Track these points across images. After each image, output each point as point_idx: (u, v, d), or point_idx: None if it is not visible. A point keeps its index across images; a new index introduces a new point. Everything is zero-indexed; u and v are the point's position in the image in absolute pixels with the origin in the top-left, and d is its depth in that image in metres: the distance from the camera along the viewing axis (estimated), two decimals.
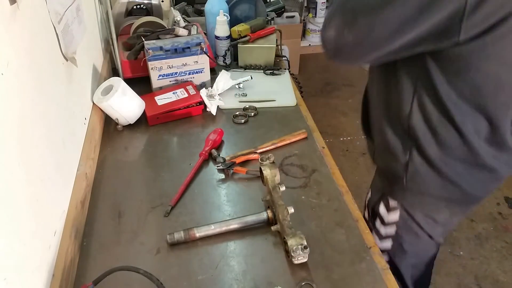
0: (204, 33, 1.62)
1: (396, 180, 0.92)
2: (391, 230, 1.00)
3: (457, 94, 0.76)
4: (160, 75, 1.33)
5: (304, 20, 3.39)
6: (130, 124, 1.23)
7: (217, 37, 1.50)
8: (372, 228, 1.05)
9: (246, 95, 1.38)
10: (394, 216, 0.97)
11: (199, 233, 0.88)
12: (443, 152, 0.83)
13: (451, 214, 0.94)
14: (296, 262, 0.82)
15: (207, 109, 1.28)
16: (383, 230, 1.01)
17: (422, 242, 0.99)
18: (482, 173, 0.86)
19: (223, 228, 0.90)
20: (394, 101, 0.85)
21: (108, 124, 1.25)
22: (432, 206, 0.92)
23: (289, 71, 1.53)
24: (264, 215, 0.91)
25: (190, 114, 1.29)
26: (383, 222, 1.00)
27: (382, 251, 0.99)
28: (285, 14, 3.13)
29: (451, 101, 0.76)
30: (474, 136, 0.80)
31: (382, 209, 1.00)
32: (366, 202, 1.09)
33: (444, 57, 0.73)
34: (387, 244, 1.03)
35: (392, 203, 0.97)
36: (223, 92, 1.34)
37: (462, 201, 0.91)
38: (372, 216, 1.05)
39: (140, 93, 1.25)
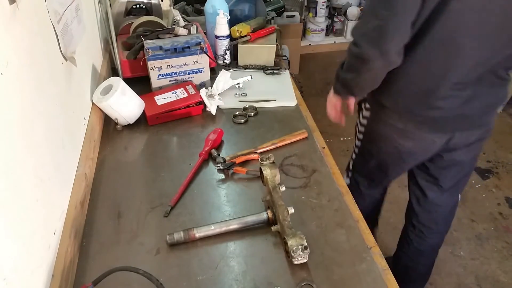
0: (204, 32, 1.62)
1: (370, 93, 1.20)
2: (364, 121, 1.32)
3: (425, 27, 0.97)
4: (159, 75, 1.33)
5: (304, 19, 3.38)
6: (129, 124, 1.23)
7: (217, 37, 1.50)
8: (358, 116, 1.38)
9: (246, 95, 1.37)
10: (367, 113, 1.29)
11: (199, 233, 0.88)
12: (398, 77, 1.07)
13: (403, 129, 1.16)
14: (296, 262, 0.82)
15: (207, 109, 1.28)
16: (361, 119, 1.35)
17: (381, 139, 1.28)
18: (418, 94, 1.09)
19: (223, 228, 0.89)
20: None
21: (108, 124, 1.25)
22: (389, 115, 1.18)
23: (289, 71, 1.53)
24: (264, 216, 0.91)
25: (190, 114, 1.29)
26: (362, 115, 1.34)
27: (359, 132, 1.38)
28: (285, 14, 3.12)
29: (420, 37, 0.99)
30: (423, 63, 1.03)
31: (362, 106, 1.32)
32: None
33: None
34: (362, 128, 1.35)
35: (367, 105, 1.29)
36: (223, 92, 1.34)
37: (408, 118, 1.14)
38: (359, 109, 1.36)
39: (139, 93, 1.25)
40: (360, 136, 1.38)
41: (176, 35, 1.37)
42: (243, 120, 1.26)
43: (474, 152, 1.25)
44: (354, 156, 1.47)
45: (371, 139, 1.32)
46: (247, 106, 1.32)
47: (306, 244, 0.81)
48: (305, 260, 0.82)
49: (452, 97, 1.06)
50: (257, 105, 1.32)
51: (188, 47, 1.31)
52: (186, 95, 1.29)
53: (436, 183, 1.32)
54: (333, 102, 1.28)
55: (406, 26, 0.94)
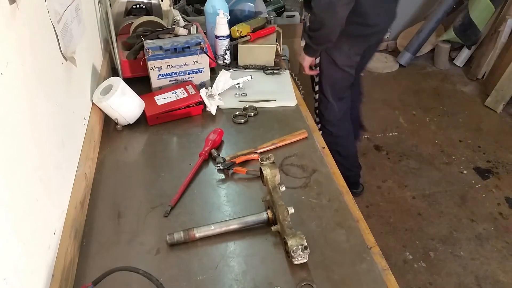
0: (204, 32, 1.61)
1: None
2: (320, 65, 1.77)
3: None
4: (159, 75, 1.33)
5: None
6: (129, 124, 1.23)
7: (217, 37, 1.50)
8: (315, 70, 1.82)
9: (246, 95, 1.37)
10: (320, 59, 1.75)
11: (199, 233, 0.88)
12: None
13: (350, 46, 1.64)
14: (296, 262, 0.82)
15: (207, 109, 1.28)
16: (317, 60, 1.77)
17: (334, 69, 1.72)
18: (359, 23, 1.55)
19: (223, 228, 0.89)
20: None
21: (108, 124, 1.25)
22: (340, 43, 1.58)
23: (289, 71, 1.53)
24: (264, 215, 0.91)
25: (190, 114, 1.29)
26: (316, 64, 1.78)
27: (317, 80, 1.83)
28: (285, 14, 3.12)
29: None
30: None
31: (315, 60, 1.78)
32: None
33: None
34: (319, 75, 1.80)
35: (317, 60, 1.77)
36: (223, 92, 1.34)
37: (353, 40, 1.62)
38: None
39: (139, 93, 1.25)
40: (316, 79, 1.83)
41: (176, 35, 1.36)
42: (243, 120, 1.26)
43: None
44: (316, 105, 1.90)
45: (326, 69, 1.73)
46: (247, 106, 1.32)
47: (306, 244, 0.81)
48: (305, 260, 0.82)
49: (379, 16, 1.55)
50: (257, 105, 1.32)
51: (188, 47, 1.31)
52: (186, 95, 1.29)
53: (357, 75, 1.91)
54: (308, 62, 1.72)
55: None
